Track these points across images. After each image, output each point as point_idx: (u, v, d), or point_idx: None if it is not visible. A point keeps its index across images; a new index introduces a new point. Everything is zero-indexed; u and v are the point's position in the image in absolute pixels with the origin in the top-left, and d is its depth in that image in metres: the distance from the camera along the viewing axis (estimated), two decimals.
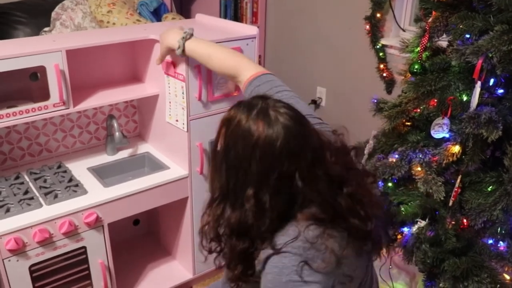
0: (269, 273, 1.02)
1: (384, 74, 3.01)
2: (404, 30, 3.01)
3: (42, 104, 1.76)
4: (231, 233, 1.06)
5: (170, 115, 1.99)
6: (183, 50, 1.66)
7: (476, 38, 1.66)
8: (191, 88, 1.86)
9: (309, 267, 0.99)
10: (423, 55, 1.85)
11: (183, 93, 1.87)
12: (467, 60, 1.66)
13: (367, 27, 2.97)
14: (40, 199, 1.77)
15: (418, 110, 1.96)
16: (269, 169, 1.00)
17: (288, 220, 1.04)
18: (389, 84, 3.03)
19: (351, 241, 1.06)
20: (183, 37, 1.65)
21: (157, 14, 2.87)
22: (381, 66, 3.00)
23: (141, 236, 2.44)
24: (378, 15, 2.92)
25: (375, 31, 2.95)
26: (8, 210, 1.68)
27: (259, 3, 3.60)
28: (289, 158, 1.01)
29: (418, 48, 1.88)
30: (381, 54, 2.98)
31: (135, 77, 2.18)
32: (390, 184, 2.07)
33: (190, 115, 1.90)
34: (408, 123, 2.05)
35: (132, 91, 2.05)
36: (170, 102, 1.97)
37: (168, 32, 1.73)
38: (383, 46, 2.98)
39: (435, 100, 1.84)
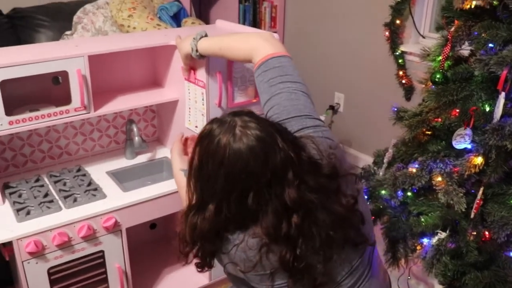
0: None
1: (403, 81, 2.99)
2: (424, 37, 2.98)
3: (63, 108, 1.78)
4: (200, 237, 1.13)
5: (189, 120, 1.99)
6: (197, 51, 1.66)
7: (500, 48, 1.64)
8: (211, 94, 1.86)
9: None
10: (445, 65, 1.83)
11: (203, 99, 1.87)
12: (491, 70, 1.64)
13: (387, 33, 2.95)
14: (60, 202, 1.78)
15: (439, 119, 1.94)
16: (230, 186, 1.06)
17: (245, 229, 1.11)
18: (408, 91, 3.01)
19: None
20: (194, 38, 1.66)
21: (176, 19, 2.89)
22: (400, 73, 2.98)
23: (158, 240, 2.45)
24: (398, 21, 2.90)
25: (395, 37, 2.93)
26: (28, 213, 1.70)
27: (277, 8, 3.60)
28: (248, 177, 1.04)
29: (440, 57, 1.86)
30: (400, 60, 2.96)
31: (155, 82, 2.19)
32: (409, 194, 2.05)
33: None
34: (428, 132, 2.03)
35: (152, 96, 2.06)
36: (190, 108, 1.97)
37: (183, 41, 1.74)
38: (403, 52, 2.96)
39: (457, 110, 1.82)
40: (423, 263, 1.94)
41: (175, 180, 1.57)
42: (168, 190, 1.90)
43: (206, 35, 1.67)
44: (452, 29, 1.78)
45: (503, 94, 1.59)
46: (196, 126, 1.95)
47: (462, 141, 1.78)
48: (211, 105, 1.88)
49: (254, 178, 1.04)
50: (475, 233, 1.78)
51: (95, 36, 2.55)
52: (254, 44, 1.46)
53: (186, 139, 1.65)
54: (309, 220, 1.07)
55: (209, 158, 1.07)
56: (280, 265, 1.08)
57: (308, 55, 3.61)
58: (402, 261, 2.15)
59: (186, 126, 2.01)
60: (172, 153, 1.62)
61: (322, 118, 3.61)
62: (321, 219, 1.07)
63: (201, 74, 1.84)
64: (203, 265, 1.21)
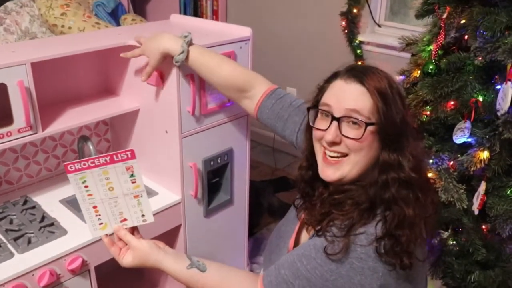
0: None
1: None
2: (379, 26, 2.89)
3: (4, 130, 1.44)
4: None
5: (102, 223, 1.19)
6: (187, 57, 1.42)
7: (501, 35, 1.54)
8: (182, 101, 1.60)
9: None
10: (438, 54, 1.71)
11: (132, 175, 1.14)
12: (493, 59, 1.54)
13: (343, 23, 2.82)
14: (9, 246, 1.45)
15: (428, 113, 1.83)
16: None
17: None
18: None
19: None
20: (186, 41, 1.41)
21: (114, 16, 2.56)
22: (359, 63, 2.87)
23: (121, 267, 2.14)
24: (355, 10, 2.78)
25: (352, 27, 2.81)
26: None
27: (219, 1, 3.36)
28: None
29: (431, 47, 1.73)
30: (358, 51, 2.85)
31: (107, 90, 1.88)
32: None
33: (182, 132, 1.64)
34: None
35: (108, 107, 1.75)
36: (95, 207, 1.17)
37: (159, 37, 1.47)
38: (360, 43, 2.85)
39: (452, 103, 1.70)
40: None
41: (190, 285, 1.16)
42: None
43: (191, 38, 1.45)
44: (445, 15, 1.66)
45: (510, 84, 1.48)
46: (125, 219, 1.19)
47: (461, 135, 1.67)
48: (182, 113, 1.62)
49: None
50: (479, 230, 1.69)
51: (31, 40, 2.17)
52: (256, 74, 1.47)
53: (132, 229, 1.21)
54: None
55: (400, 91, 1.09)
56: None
57: (255, 50, 3.40)
58: None
59: (96, 236, 1.27)
60: (151, 258, 1.16)
61: None
62: None
63: (170, 77, 1.57)
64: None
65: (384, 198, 1.01)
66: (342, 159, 1.06)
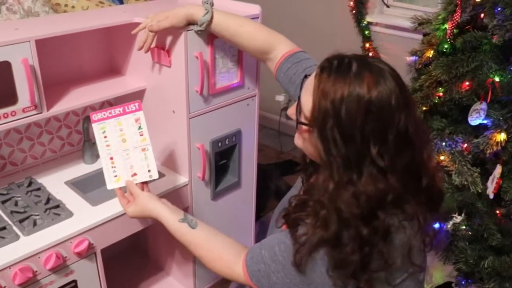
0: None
1: (370, 54, 2.82)
2: (388, 6, 2.82)
3: (8, 109, 1.40)
4: (378, 204, 0.91)
5: (116, 176, 1.36)
6: (210, 20, 1.39)
7: None
8: (190, 80, 1.55)
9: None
10: (453, 33, 1.66)
11: (140, 127, 1.36)
12: (511, 38, 1.49)
13: (351, 3, 2.75)
14: (15, 228, 1.42)
15: (441, 94, 1.78)
16: (386, 127, 0.89)
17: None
18: None
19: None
20: (209, 2, 1.39)
21: None
22: (367, 45, 2.81)
23: (126, 249, 2.12)
24: None
25: (360, 8, 2.74)
26: None
27: None
28: (404, 111, 0.90)
29: (446, 25, 1.68)
30: (366, 32, 2.78)
31: (112, 69, 1.83)
32: None
33: (190, 112, 1.60)
34: (425, 108, 1.86)
35: (113, 87, 1.71)
36: (111, 158, 1.36)
37: (180, 6, 1.45)
38: (369, 23, 2.78)
39: (467, 83, 1.66)
40: (435, 250, 1.80)
41: (177, 237, 1.23)
42: None
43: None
44: None
45: None
46: (135, 174, 1.35)
47: (476, 116, 1.62)
48: (190, 93, 1.58)
49: (409, 110, 0.91)
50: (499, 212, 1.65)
51: (35, 18, 2.11)
52: (278, 34, 1.38)
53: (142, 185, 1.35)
54: None
55: (350, 105, 0.88)
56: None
57: None
58: None
59: (111, 188, 1.37)
60: (151, 208, 1.27)
61: (281, 97, 3.39)
62: None
63: (177, 55, 1.52)
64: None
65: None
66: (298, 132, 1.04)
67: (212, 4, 1.43)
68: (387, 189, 0.91)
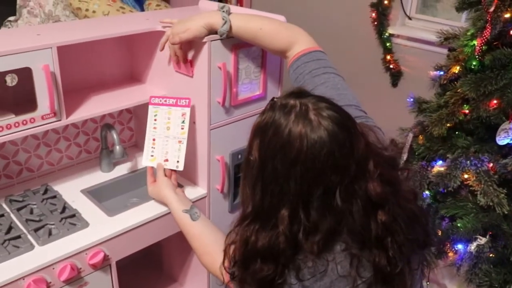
0: None
1: (391, 66, 2.78)
2: (410, 18, 2.78)
3: (27, 116, 1.38)
4: (256, 256, 0.93)
5: (152, 155, 1.53)
6: (230, 27, 1.37)
7: None
8: (213, 91, 1.52)
9: None
10: (482, 50, 1.61)
11: (183, 121, 1.51)
12: None
13: (373, 15, 2.72)
14: (30, 237, 1.39)
15: (467, 112, 1.73)
16: (310, 186, 0.87)
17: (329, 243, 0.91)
18: (396, 76, 2.80)
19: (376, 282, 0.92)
20: (226, 11, 1.37)
21: (139, 1, 2.49)
22: (388, 57, 2.77)
23: (139, 259, 2.08)
24: (386, 2, 2.67)
25: (382, 19, 2.71)
26: None
27: None
28: (333, 172, 0.86)
29: (475, 41, 1.63)
30: (388, 44, 2.74)
31: (132, 77, 1.81)
32: (427, 192, 1.85)
33: (211, 124, 1.57)
34: (449, 125, 1.82)
35: (133, 95, 1.68)
36: (154, 139, 1.54)
37: (197, 15, 1.41)
38: (390, 35, 2.74)
39: (495, 101, 1.61)
40: (457, 271, 1.75)
41: (179, 226, 1.37)
42: (164, 210, 1.54)
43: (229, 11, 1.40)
44: (492, 8, 1.56)
45: None
46: (166, 160, 1.51)
47: (504, 136, 1.57)
48: (212, 104, 1.54)
49: (340, 173, 0.87)
50: None
51: (56, 23, 2.10)
52: (298, 32, 1.34)
53: (170, 172, 1.52)
54: (391, 217, 0.92)
55: (276, 153, 0.88)
56: (375, 275, 0.91)
57: None
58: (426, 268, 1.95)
59: (145, 164, 1.54)
60: (165, 194, 1.45)
61: None
62: (398, 215, 0.93)
63: (200, 65, 1.49)
64: None
65: None
66: None
67: (229, 12, 1.40)
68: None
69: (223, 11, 1.38)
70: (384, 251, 0.91)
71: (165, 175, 1.49)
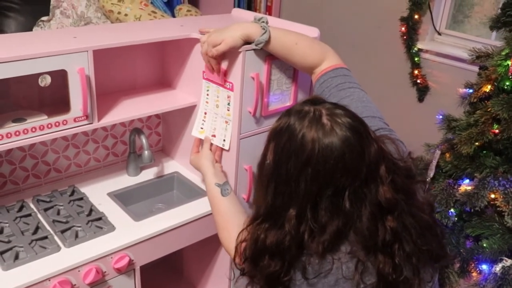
0: None
1: (418, 81, 2.74)
2: (440, 34, 2.75)
3: (60, 118, 1.39)
4: (265, 253, 0.98)
5: (202, 128, 1.62)
6: (269, 38, 1.37)
7: None
8: (244, 100, 1.52)
9: None
10: None
11: (229, 103, 1.53)
12: None
13: (403, 29, 2.69)
14: (56, 238, 1.40)
15: (497, 131, 1.70)
16: (319, 187, 0.91)
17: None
18: (422, 91, 2.77)
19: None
20: (264, 21, 1.38)
21: (170, 5, 2.50)
22: (415, 72, 2.74)
23: (160, 264, 2.08)
24: (416, 16, 2.64)
25: (412, 33, 2.68)
26: (17, 257, 1.30)
27: None
28: (343, 174, 0.90)
29: (509, 62, 1.61)
30: (416, 59, 2.71)
31: (164, 82, 1.82)
32: (453, 211, 1.81)
33: (241, 133, 1.56)
34: (477, 144, 1.78)
35: (163, 101, 1.68)
36: (205, 113, 1.62)
37: (235, 24, 1.41)
38: (419, 50, 2.71)
39: None
40: None
41: (208, 197, 1.43)
42: (190, 217, 1.55)
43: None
44: None
45: None
46: (214, 136, 1.59)
47: None
48: (244, 113, 1.54)
49: (351, 176, 0.90)
50: None
51: (91, 26, 2.12)
52: (328, 49, 1.38)
53: (216, 147, 1.58)
54: (401, 224, 0.94)
55: (290, 156, 0.92)
56: (378, 281, 0.92)
57: None
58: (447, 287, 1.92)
59: (194, 135, 1.63)
60: (203, 164, 1.49)
61: None
62: (409, 224, 0.95)
63: (234, 75, 1.49)
64: None
65: None
66: None
67: (267, 23, 1.40)
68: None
69: (262, 21, 1.39)
70: (390, 258, 0.92)
71: (210, 150, 1.54)
